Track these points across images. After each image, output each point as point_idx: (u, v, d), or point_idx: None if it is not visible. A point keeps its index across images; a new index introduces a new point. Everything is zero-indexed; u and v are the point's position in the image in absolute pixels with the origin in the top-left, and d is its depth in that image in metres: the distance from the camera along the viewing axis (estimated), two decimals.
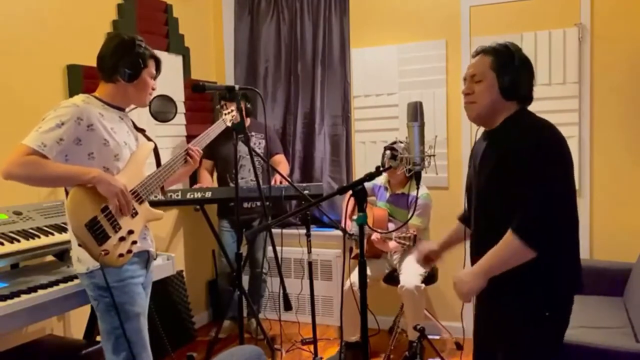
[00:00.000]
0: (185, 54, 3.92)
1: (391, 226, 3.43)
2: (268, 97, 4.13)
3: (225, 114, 2.59)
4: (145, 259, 2.19)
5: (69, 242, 2.12)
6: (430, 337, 2.96)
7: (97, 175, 1.92)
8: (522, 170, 1.65)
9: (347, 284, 3.28)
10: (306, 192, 3.16)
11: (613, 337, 2.50)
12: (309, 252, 3.09)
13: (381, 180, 3.54)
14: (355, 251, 3.37)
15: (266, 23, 4.13)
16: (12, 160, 1.83)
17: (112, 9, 3.31)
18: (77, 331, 2.93)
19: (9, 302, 1.97)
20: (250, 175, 3.64)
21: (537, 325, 1.72)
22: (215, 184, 3.85)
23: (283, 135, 4.14)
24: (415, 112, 1.78)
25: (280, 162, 3.75)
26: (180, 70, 3.86)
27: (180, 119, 3.80)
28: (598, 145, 3.36)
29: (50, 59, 2.88)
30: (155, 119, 3.17)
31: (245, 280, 3.82)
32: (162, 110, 3.24)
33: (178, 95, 3.72)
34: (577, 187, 3.27)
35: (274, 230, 2.80)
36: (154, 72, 2.16)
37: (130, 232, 2.03)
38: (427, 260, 2.19)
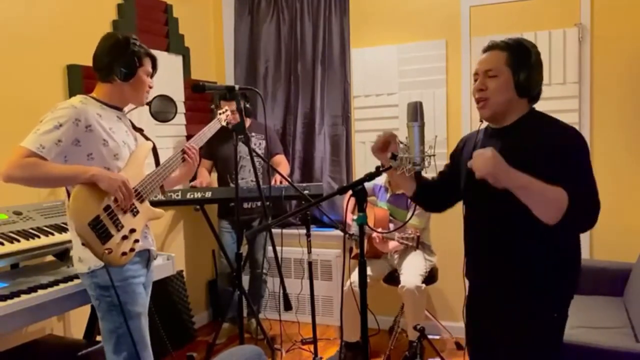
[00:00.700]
0: (185, 54, 3.92)
1: (391, 226, 3.44)
2: (268, 97, 4.13)
3: (220, 114, 2.59)
4: (146, 258, 2.20)
5: (69, 242, 2.13)
6: (430, 337, 2.96)
7: (97, 173, 1.92)
8: (573, 165, 1.66)
9: (347, 283, 3.28)
10: (306, 192, 3.16)
11: (613, 337, 2.50)
12: (309, 252, 3.09)
13: (381, 180, 3.54)
14: (355, 251, 3.37)
15: (266, 23, 4.13)
16: (11, 163, 1.83)
17: (112, 9, 3.31)
18: (77, 331, 2.93)
19: (9, 302, 1.97)
20: (251, 176, 3.64)
21: (545, 327, 1.71)
22: (215, 184, 3.86)
23: (283, 135, 4.14)
24: (415, 112, 1.78)
25: (281, 162, 3.75)
26: (180, 70, 3.86)
27: (180, 119, 3.80)
28: (598, 145, 3.36)
29: (50, 59, 2.88)
30: (155, 119, 3.17)
31: (245, 280, 3.82)
32: (162, 110, 3.24)
33: (178, 95, 3.72)
34: None
35: (274, 230, 2.80)
36: (150, 70, 2.16)
37: (132, 230, 2.03)
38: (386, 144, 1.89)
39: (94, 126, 1.98)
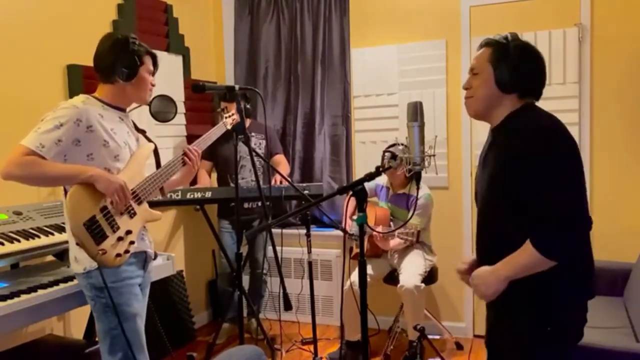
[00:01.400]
0: (185, 54, 3.92)
1: (392, 226, 3.44)
2: (268, 97, 4.13)
3: (226, 117, 2.59)
4: (143, 259, 2.19)
5: (68, 241, 2.12)
6: (430, 337, 2.96)
7: (95, 174, 1.92)
8: (531, 174, 1.58)
9: (347, 283, 3.28)
10: (306, 192, 3.16)
11: (613, 337, 2.50)
12: (309, 252, 3.09)
13: (382, 180, 3.54)
14: (356, 251, 3.37)
15: (266, 23, 4.13)
16: (11, 160, 1.83)
17: (112, 9, 3.31)
18: (77, 331, 2.93)
19: (9, 302, 1.97)
20: (251, 176, 3.64)
21: (541, 341, 1.67)
22: (215, 185, 3.85)
23: (283, 135, 4.14)
24: (415, 112, 1.78)
25: (281, 162, 3.75)
26: (180, 70, 3.86)
27: (180, 119, 3.80)
28: (598, 145, 3.36)
29: (50, 59, 2.88)
30: (155, 119, 3.17)
31: (245, 280, 3.82)
32: (162, 110, 3.24)
33: (178, 95, 3.72)
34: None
35: (274, 230, 2.80)
36: (152, 68, 2.16)
37: (128, 232, 2.03)
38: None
39: (95, 127, 1.98)
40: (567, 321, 1.70)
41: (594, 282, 1.73)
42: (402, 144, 3.21)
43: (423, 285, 3.21)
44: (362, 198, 1.78)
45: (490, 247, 1.77)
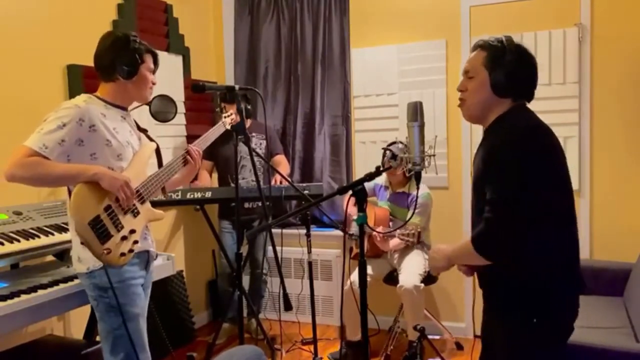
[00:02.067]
0: (185, 54, 3.92)
1: (392, 226, 3.44)
2: (268, 97, 4.13)
3: (225, 117, 2.59)
4: (146, 259, 2.20)
5: (69, 242, 2.12)
6: (430, 337, 2.96)
7: (99, 172, 1.92)
8: (486, 172, 1.63)
9: (347, 283, 3.28)
10: (306, 192, 3.16)
11: (613, 337, 2.50)
12: (309, 252, 3.09)
13: (382, 179, 3.54)
14: (355, 251, 3.37)
15: (266, 23, 4.13)
16: (14, 162, 1.83)
17: (112, 9, 3.31)
18: (77, 331, 2.93)
19: (9, 302, 1.97)
20: (251, 176, 3.64)
21: (529, 333, 1.66)
22: (215, 185, 3.85)
23: (283, 135, 4.14)
24: (415, 112, 1.78)
25: (281, 162, 3.75)
26: (180, 70, 3.86)
27: (180, 119, 3.80)
28: (598, 145, 3.36)
29: (50, 59, 2.88)
30: (155, 119, 3.17)
31: (246, 280, 3.82)
32: (162, 110, 3.23)
33: (178, 95, 3.72)
34: (577, 187, 3.32)
35: (274, 230, 2.80)
36: (152, 66, 2.16)
37: (132, 231, 2.03)
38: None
39: (98, 126, 1.98)
40: (556, 315, 1.69)
41: (580, 274, 1.72)
42: (402, 142, 3.22)
43: (422, 285, 3.21)
44: (362, 198, 1.79)
45: None
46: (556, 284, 1.67)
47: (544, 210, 1.58)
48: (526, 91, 1.73)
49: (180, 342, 3.67)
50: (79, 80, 2.97)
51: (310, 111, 4.07)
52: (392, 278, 3.44)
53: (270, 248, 2.72)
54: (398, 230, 3.11)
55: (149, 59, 2.13)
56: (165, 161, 2.27)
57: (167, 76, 3.46)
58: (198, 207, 3.44)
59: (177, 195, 3.33)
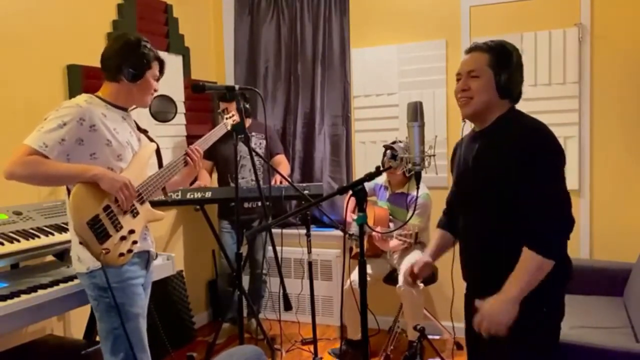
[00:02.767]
0: (185, 54, 3.92)
1: (391, 226, 3.44)
2: (268, 97, 4.13)
3: (227, 118, 2.59)
4: (146, 259, 2.20)
5: (69, 242, 2.12)
6: (430, 337, 2.96)
7: (99, 173, 1.92)
8: (534, 171, 1.64)
9: (347, 282, 3.28)
10: (306, 192, 3.16)
11: (613, 337, 2.50)
12: (309, 252, 3.09)
13: (381, 179, 3.54)
14: (355, 251, 3.37)
15: (266, 23, 4.13)
16: (14, 160, 1.84)
17: (112, 9, 3.31)
18: (77, 331, 2.93)
19: (9, 302, 1.97)
20: (251, 175, 3.64)
21: (537, 322, 1.71)
22: (215, 184, 3.85)
23: (283, 135, 4.14)
24: (415, 112, 1.78)
25: (281, 162, 3.75)
26: (180, 70, 3.86)
27: (180, 119, 3.80)
28: (598, 145, 3.36)
29: (50, 59, 2.88)
30: (155, 119, 3.17)
31: (246, 280, 3.81)
32: (162, 110, 3.24)
33: (178, 95, 3.72)
34: (577, 187, 3.32)
35: (274, 230, 2.80)
36: (158, 73, 2.17)
37: (131, 231, 2.03)
38: (423, 271, 2.03)
39: (98, 126, 1.99)
40: (558, 303, 1.76)
41: (570, 269, 1.78)
42: (402, 142, 3.22)
43: (422, 285, 3.21)
44: (362, 198, 1.79)
45: (484, 249, 1.79)
46: (558, 277, 1.72)
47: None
48: (520, 93, 1.82)
49: (180, 342, 3.67)
50: (79, 80, 2.97)
51: (310, 111, 4.07)
52: (392, 278, 3.44)
53: (270, 248, 2.72)
54: (396, 231, 3.11)
55: (155, 66, 2.14)
56: (165, 162, 2.27)
57: (167, 76, 3.42)
58: (198, 207, 3.44)
59: (177, 195, 3.33)
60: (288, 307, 2.63)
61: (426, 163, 1.79)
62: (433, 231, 3.46)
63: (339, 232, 3.95)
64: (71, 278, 2.23)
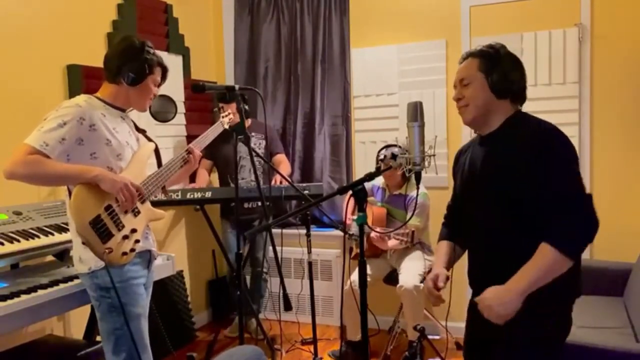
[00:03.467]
0: (185, 54, 3.92)
1: (391, 227, 3.44)
2: (268, 97, 4.13)
3: (223, 117, 2.60)
4: (147, 259, 2.20)
5: (69, 242, 2.13)
6: (430, 337, 2.96)
7: (99, 173, 1.92)
8: (549, 170, 1.61)
9: (347, 283, 3.28)
10: (306, 192, 3.16)
11: (613, 337, 2.50)
12: (309, 252, 3.09)
13: (379, 181, 3.54)
14: (355, 251, 3.37)
15: (266, 23, 4.13)
16: (15, 159, 1.84)
17: (112, 9, 3.31)
18: (77, 331, 2.93)
19: (9, 302, 1.97)
20: (251, 176, 3.64)
21: (536, 330, 1.68)
22: (213, 184, 3.85)
23: (283, 135, 4.14)
24: (415, 112, 1.78)
25: (282, 161, 3.74)
26: (180, 70, 3.86)
27: (180, 119, 3.80)
28: (598, 145, 3.36)
29: (50, 59, 2.88)
30: (155, 118, 3.17)
31: (247, 280, 3.81)
32: (162, 110, 3.24)
33: (178, 95, 3.72)
34: None
35: (274, 230, 2.80)
36: (159, 80, 2.16)
37: (133, 230, 2.03)
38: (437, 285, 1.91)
39: (98, 125, 1.99)
40: (562, 314, 1.73)
41: (579, 282, 1.74)
42: (398, 145, 3.22)
43: (422, 285, 3.21)
44: (362, 198, 1.79)
45: (497, 256, 1.76)
46: (564, 285, 1.68)
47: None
48: (521, 92, 1.78)
49: (180, 342, 3.67)
50: (79, 80, 2.97)
51: (310, 111, 4.07)
52: (392, 278, 3.44)
53: (270, 248, 2.72)
54: (394, 231, 3.11)
55: (158, 72, 2.14)
56: (164, 161, 2.27)
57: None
58: (198, 207, 3.44)
59: (177, 195, 3.33)
60: (288, 307, 2.63)
61: (426, 163, 1.79)
62: (433, 231, 3.49)
63: (339, 232, 3.95)
64: (71, 278, 2.23)
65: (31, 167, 1.84)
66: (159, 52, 2.21)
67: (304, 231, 3.10)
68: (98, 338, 2.22)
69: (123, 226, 2.00)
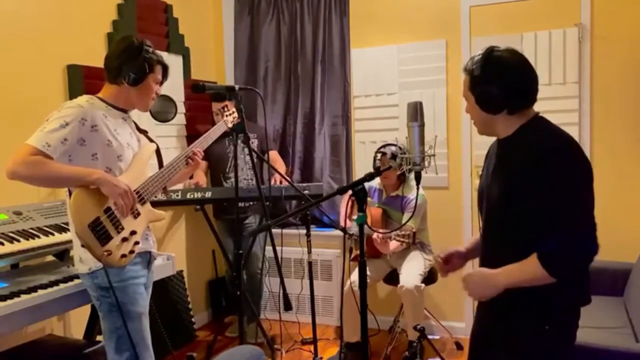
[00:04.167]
0: (185, 54, 3.92)
1: (387, 228, 3.43)
2: (268, 97, 4.13)
3: (227, 116, 2.59)
4: (147, 259, 2.20)
5: (69, 242, 2.13)
6: (430, 337, 2.96)
7: (100, 177, 1.92)
8: (544, 182, 1.57)
9: (347, 283, 3.28)
10: (306, 192, 3.16)
11: (613, 337, 2.50)
12: (309, 252, 3.09)
13: (376, 182, 3.54)
14: (355, 252, 3.37)
15: (266, 23, 4.13)
16: (17, 159, 1.84)
17: (112, 9, 3.31)
18: (77, 331, 2.93)
19: (9, 302, 1.97)
20: (244, 174, 3.63)
21: (537, 340, 1.66)
22: (208, 183, 3.85)
23: (283, 136, 4.14)
24: (415, 112, 1.78)
25: (276, 159, 3.74)
26: (180, 70, 3.86)
27: (180, 119, 3.80)
28: (598, 145, 3.36)
29: (50, 59, 2.88)
30: (155, 118, 3.17)
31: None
32: (162, 110, 3.24)
33: (178, 95, 3.72)
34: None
35: (274, 230, 2.80)
36: (160, 78, 2.16)
37: (133, 232, 2.03)
38: (449, 260, 1.94)
39: (100, 126, 1.99)
40: (565, 322, 1.70)
41: (589, 289, 1.74)
42: (395, 144, 3.22)
43: (423, 285, 3.21)
44: (362, 198, 1.78)
45: (496, 258, 1.74)
46: (571, 293, 1.69)
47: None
48: (515, 99, 1.65)
49: (180, 342, 3.67)
50: (79, 80, 2.96)
51: (310, 111, 4.07)
52: (392, 278, 3.44)
53: (270, 248, 2.72)
54: (394, 232, 3.11)
55: (158, 71, 2.13)
56: (165, 162, 2.28)
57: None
58: (198, 207, 3.43)
59: (177, 195, 3.33)
60: (288, 307, 2.63)
61: (426, 163, 1.79)
62: (433, 231, 3.49)
63: (339, 232, 3.94)
64: (71, 278, 2.23)
65: (33, 168, 1.84)
66: (158, 52, 2.21)
67: (304, 231, 3.10)
68: (98, 338, 2.22)
69: (122, 228, 2.00)
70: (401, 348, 3.42)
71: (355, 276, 3.19)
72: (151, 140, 2.29)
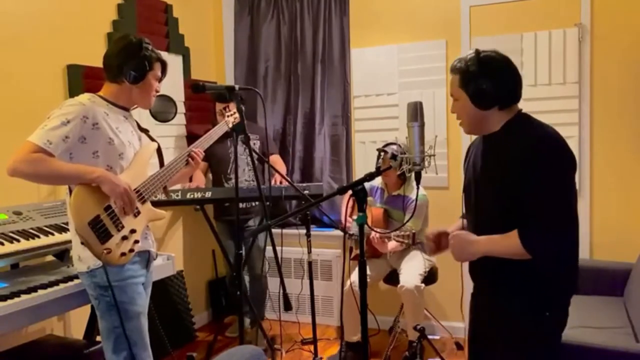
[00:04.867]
0: (185, 54, 3.92)
1: (388, 228, 3.43)
2: (268, 97, 4.13)
3: (228, 116, 2.59)
4: (146, 259, 2.20)
5: (69, 242, 2.13)
6: (430, 337, 2.96)
7: (101, 175, 1.93)
8: (529, 172, 1.64)
9: (347, 283, 3.28)
10: (306, 192, 3.16)
11: (613, 337, 2.50)
12: (309, 252, 3.09)
13: (377, 182, 3.54)
14: (355, 252, 3.37)
15: (266, 23, 4.13)
16: (18, 157, 1.84)
17: (112, 9, 3.31)
18: (77, 331, 2.93)
19: (9, 302, 1.98)
20: (245, 175, 3.63)
21: (538, 325, 1.72)
22: (209, 185, 3.85)
23: (283, 135, 4.14)
24: (415, 112, 1.78)
25: (277, 162, 3.74)
26: (180, 70, 3.86)
27: (180, 119, 3.80)
28: (598, 145, 3.36)
29: (50, 59, 2.88)
30: (155, 118, 3.17)
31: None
32: (162, 110, 3.24)
33: (178, 95, 3.72)
34: (577, 187, 3.31)
35: (274, 230, 2.80)
36: (160, 74, 2.17)
37: (133, 231, 2.03)
38: (439, 240, 2.09)
39: (101, 124, 1.99)
40: (563, 309, 1.77)
41: (577, 279, 1.79)
42: (396, 143, 3.22)
43: (423, 285, 3.21)
44: (362, 198, 1.79)
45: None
46: (564, 283, 1.74)
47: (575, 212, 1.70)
48: (507, 96, 1.74)
49: (180, 342, 3.67)
50: (79, 80, 2.97)
51: (310, 111, 4.07)
52: (392, 278, 3.43)
53: (270, 248, 2.71)
54: (393, 232, 3.10)
55: (157, 68, 2.14)
56: (166, 161, 2.28)
57: (167, 76, 3.45)
58: (198, 207, 3.43)
59: (177, 195, 3.33)
60: (288, 307, 2.63)
61: (426, 163, 1.79)
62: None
63: (339, 232, 3.95)
64: (71, 278, 2.24)
65: (34, 166, 1.84)
66: (160, 53, 2.21)
67: (304, 231, 3.10)
68: (98, 338, 2.22)
69: (122, 227, 2.00)
70: (401, 348, 3.42)
71: (355, 276, 3.19)
72: (152, 139, 2.29)
